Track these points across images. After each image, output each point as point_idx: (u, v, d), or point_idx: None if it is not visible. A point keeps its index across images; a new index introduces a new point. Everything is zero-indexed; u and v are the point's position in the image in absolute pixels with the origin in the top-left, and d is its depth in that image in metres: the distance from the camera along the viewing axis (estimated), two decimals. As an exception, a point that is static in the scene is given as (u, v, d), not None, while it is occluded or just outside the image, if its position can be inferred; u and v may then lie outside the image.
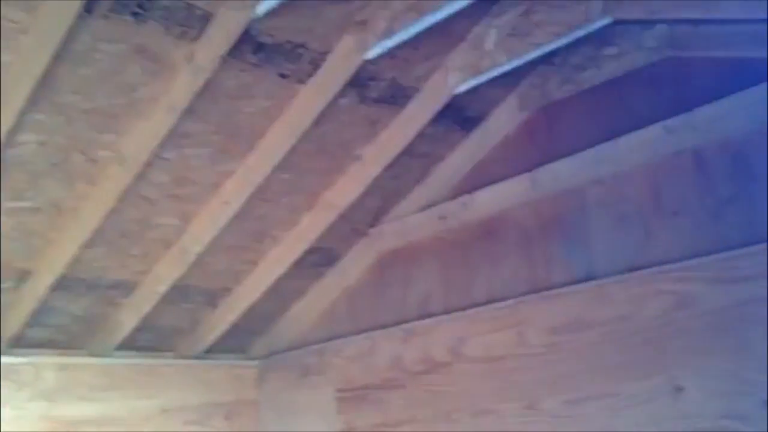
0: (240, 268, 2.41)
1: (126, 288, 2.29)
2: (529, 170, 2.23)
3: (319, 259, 2.53)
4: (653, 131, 1.98)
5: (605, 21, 1.91)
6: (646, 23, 2.00)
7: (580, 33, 1.94)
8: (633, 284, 1.95)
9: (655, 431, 1.83)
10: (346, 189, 2.28)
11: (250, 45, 1.72)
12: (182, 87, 1.72)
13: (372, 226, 2.55)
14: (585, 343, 2.02)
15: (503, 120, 2.33)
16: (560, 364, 2.06)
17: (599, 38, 2.07)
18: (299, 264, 2.45)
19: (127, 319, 2.36)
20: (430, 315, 2.42)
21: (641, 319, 1.91)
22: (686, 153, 1.94)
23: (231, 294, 2.49)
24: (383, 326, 2.53)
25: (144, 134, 1.81)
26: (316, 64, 1.85)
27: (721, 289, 1.78)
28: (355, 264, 2.62)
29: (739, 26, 1.83)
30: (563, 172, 2.16)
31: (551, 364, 2.08)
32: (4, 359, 2.22)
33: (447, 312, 2.38)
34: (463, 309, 2.33)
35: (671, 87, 1.99)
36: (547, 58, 2.15)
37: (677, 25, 1.96)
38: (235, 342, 2.70)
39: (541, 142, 2.26)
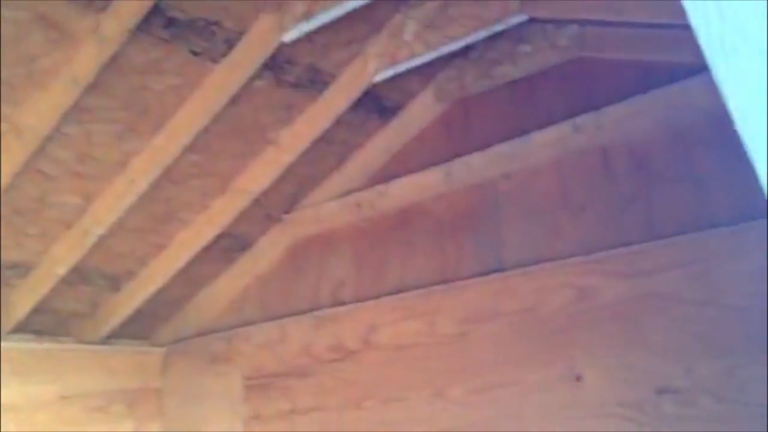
0: (145, 252, 2.34)
1: (22, 269, 2.18)
2: (444, 162, 2.26)
3: (230, 244, 2.48)
4: (563, 128, 2.04)
5: (521, 18, 1.95)
6: (560, 23, 2.05)
7: (497, 29, 1.98)
8: (539, 277, 2.00)
9: (556, 417, 1.89)
10: (260, 174, 2.24)
11: (161, 19, 1.65)
12: (86, 59, 1.64)
13: (286, 212, 2.52)
14: (492, 333, 2.06)
15: (420, 111, 2.35)
16: (468, 353, 2.10)
17: (515, 35, 2.11)
18: (209, 249, 2.39)
19: (23, 301, 2.25)
20: (342, 303, 2.42)
21: (545, 311, 1.97)
22: (594, 151, 2.00)
23: (135, 278, 2.41)
24: (294, 313, 2.51)
25: (44, 107, 1.72)
26: (230, 44, 1.80)
27: (621, 283, 1.85)
28: (267, 250, 2.58)
29: (647, 30, 1.90)
30: (477, 166, 2.20)
31: (459, 353, 2.11)
32: None
33: (359, 300, 2.38)
34: (375, 297, 2.34)
35: (581, 86, 2.06)
36: (464, 52, 2.18)
37: (588, 26, 2.02)
38: (138, 328, 2.62)
39: (456, 135, 2.29)
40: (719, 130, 1.77)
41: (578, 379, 1.88)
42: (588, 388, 1.86)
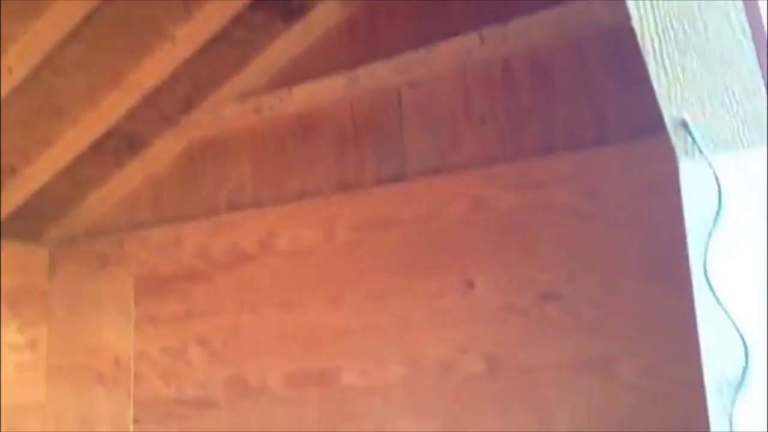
0: (29, 147, 2.19)
1: None
2: (348, 68, 2.21)
3: (121, 143, 2.36)
4: (469, 39, 2.03)
5: None
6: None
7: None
8: (437, 186, 2.03)
9: (446, 322, 1.97)
10: (154, 70, 2.12)
11: None
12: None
13: (183, 113, 2.42)
14: (389, 241, 2.09)
15: (325, 14, 2.27)
16: (364, 260, 2.13)
17: (426, -62, 2.05)
18: (99, 148, 2.27)
19: None
20: (240, 208, 2.38)
21: (442, 220, 2.01)
22: (497, 63, 2.01)
23: (18, 174, 2.26)
24: (191, 217, 2.45)
25: None
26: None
27: (514, 194, 1.91)
28: (162, 152, 2.48)
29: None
30: (381, 73, 2.17)
31: (356, 260, 2.14)
32: None
33: (258, 206, 2.36)
34: (274, 204, 2.32)
35: (489, -4, 2.04)
36: (373, -48, 2.10)
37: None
38: (24, 226, 2.49)
39: (361, 41, 2.24)
40: (619, 47, 1.81)
41: (469, 285, 1.95)
42: (478, 295, 1.94)
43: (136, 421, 2.47)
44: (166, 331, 2.45)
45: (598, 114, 1.87)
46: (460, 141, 2.05)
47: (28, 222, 2.48)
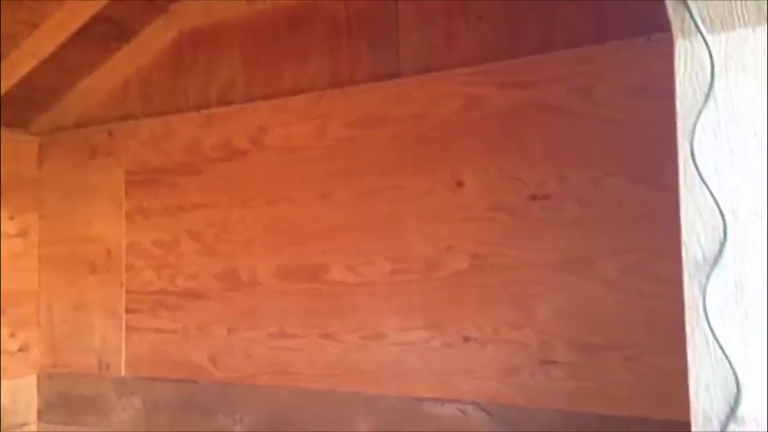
0: (15, 30, 2.14)
1: None
2: (344, -43, 2.14)
3: (109, 30, 2.30)
4: (470, -71, 1.95)
5: None
6: None
7: None
8: (430, 85, 2.00)
9: (435, 220, 1.98)
10: (143, -48, 2.05)
11: None
12: None
13: (173, 0, 2.35)
14: (380, 138, 2.08)
15: None
16: (355, 157, 2.12)
17: None
18: (86, 33, 2.22)
19: None
20: (231, 102, 2.36)
21: (434, 119, 2.00)
22: (498, -44, 1.95)
23: (5, 58, 2.22)
24: (180, 110, 2.43)
25: None
26: None
27: (508, 93, 1.89)
28: (151, 41, 2.43)
29: None
30: (378, -37, 2.10)
31: (347, 157, 2.14)
32: None
33: (249, 100, 2.33)
34: (266, 98, 2.29)
35: None
36: None
37: None
38: (13, 114, 2.46)
39: (359, -71, 2.16)
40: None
41: (459, 184, 1.96)
42: (467, 194, 1.94)
43: (128, 311, 2.52)
44: (158, 223, 2.47)
45: (597, 13, 1.82)
46: (455, 39, 2.01)
47: (17, 110, 2.45)
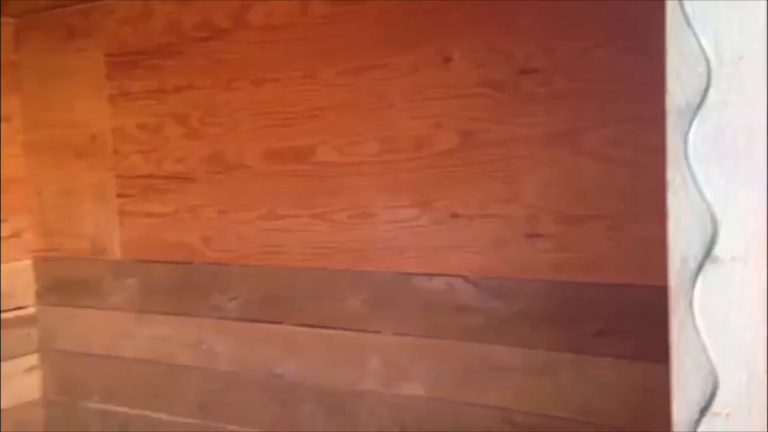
0: None
1: None
2: None
3: None
4: None
5: None
6: None
7: None
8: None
9: (422, 97, 1.97)
10: None
11: None
12: None
13: None
14: (366, 15, 2.03)
15: None
16: (340, 34, 2.08)
17: None
18: None
19: None
20: (210, -22, 2.27)
21: (421, -9, 1.94)
22: None
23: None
24: (159, -12, 2.35)
25: None
26: None
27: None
28: None
29: None
30: None
31: (331, 35, 2.09)
32: None
33: (229, -24, 2.25)
34: (247, -27, 2.21)
35: None
36: None
37: None
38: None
39: None
40: None
41: (446, 60, 1.93)
42: (455, 69, 1.92)
43: (119, 195, 2.53)
44: (142, 106, 2.44)
45: None
46: None
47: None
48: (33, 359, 2.72)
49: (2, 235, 2.62)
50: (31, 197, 2.67)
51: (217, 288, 2.37)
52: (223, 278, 2.35)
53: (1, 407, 2.60)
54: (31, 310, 2.71)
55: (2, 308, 2.61)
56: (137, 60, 2.41)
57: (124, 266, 2.54)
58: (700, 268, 0.78)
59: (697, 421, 0.79)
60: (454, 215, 1.96)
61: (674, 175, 0.79)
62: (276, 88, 2.20)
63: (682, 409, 0.80)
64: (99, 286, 2.59)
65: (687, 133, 0.77)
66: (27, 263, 2.69)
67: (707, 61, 0.75)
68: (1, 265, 2.60)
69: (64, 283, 2.67)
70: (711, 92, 0.76)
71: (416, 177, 2.00)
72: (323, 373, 2.19)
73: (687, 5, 0.75)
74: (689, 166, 0.77)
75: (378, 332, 2.10)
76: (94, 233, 2.58)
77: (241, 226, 2.30)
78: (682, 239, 0.79)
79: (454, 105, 1.93)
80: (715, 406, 0.78)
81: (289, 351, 2.25)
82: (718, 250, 0.77)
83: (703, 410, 0.78)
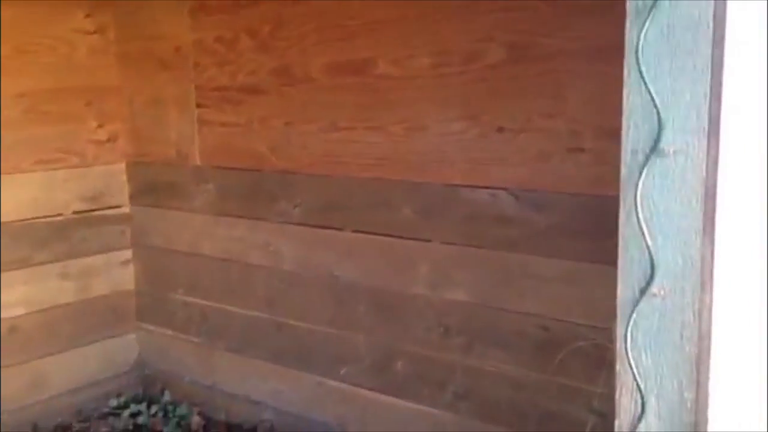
0: None
1: None
2: None
3: None
4: None
5: None
6: None
7: None
8: None
9: (473, 12, 2.00)
10: None
11: None
12: None
13: None
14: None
15: None
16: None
17: None
18: None
19: None
20: None
21: None
22: None
23: None
24: None
25: None
26: None
27: None
28: None
29: None
30: None
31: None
32: None
33: None
34: None
35: None
36: None
37: None
38: None
39: None
40: None
41: (500, -27, 1.94)
42: (507, -17, 1.92)
43: (198, 105, 2.72)
44: (219, 20, 2.58)
45: None
46: None
47: None
48: (128, 254, 3.02)
49: (100, 139, 2.87)
50: (124, 105, 2.91)
51: (283, 195, 2.53)
52: (288, 186, 2.51)
53: (99, 294, 2.93)
54: (125, 210, 2.99)
55: (99, 207, 2.90)
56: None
57: (204, 172, 2.75)
58: (646, 160, 0.83)
59: (637, 301, 0.86)
60: (500, 129, 2.01)
61: (628, 72, 0.83)
62: (338, 3, 2.27)
63: (624, 291, 0.87)
64: (182, 190, 2.82)
65: (641, 31, 0.81)
66: (121, 166, 2.95)
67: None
68: (97, 167, 2.86)
69: (153, 186, 2.92)
70: (664, -8, 0.79)
71: (465, 91, 2.05)
72: (377, 276, 2.34)
73: None
74: (639, 63, 0.81)
75: (428, 241, 2.22)
76: (177, 141, 2.79)
77: (305, 137, 2.44)
78: (633, 133, 0.84)
79: (503, 18, 1.95)
80: (653, 288, 0.85)
81: (346, 255, 2.40)
82: (663, 144, 0.82)
83: (642, 291, 0.85)
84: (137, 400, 3.00)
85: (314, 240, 2.48)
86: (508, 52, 1.95)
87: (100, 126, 2.86)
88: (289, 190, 2.52)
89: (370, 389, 2.40)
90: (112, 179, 2.94)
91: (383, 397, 2.37)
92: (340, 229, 2.41)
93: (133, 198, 2.99)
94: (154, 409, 2.95)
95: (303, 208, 2.49)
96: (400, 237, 2.27)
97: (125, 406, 2.96)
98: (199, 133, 2.72)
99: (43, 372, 2.76)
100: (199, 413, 2.87)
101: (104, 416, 2.92)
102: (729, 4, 0.77)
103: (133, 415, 2.92)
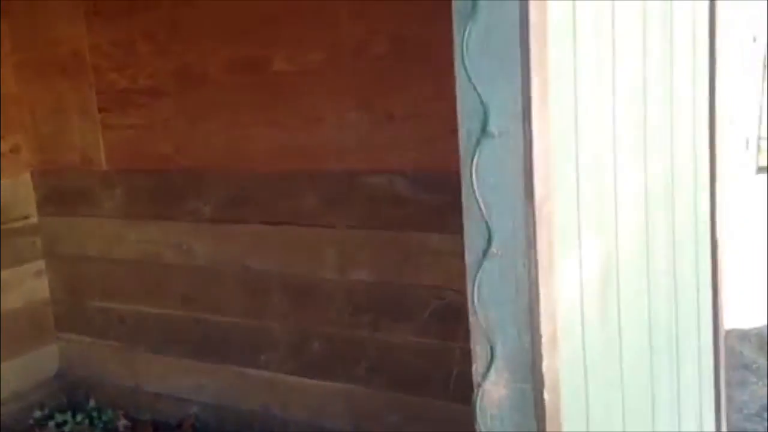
0: None
1: None
2: None
3: None
4: None
5: None
6: None
7: None
8: None
9: (359, 4, 2.11)
10: None
11: None
12: None
13: None
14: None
15: None
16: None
17: None
18: None
19: None
20: None
21: None
22: None
23: None
24: None
25: None
26: None
27: None
28: None
29: None
30: None
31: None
32: None
33: None
34: None
35: None
36: None
37: None
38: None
39: None
40: None
41: (379, -29, 2.06)
42: (386, -20, 2.05)
43: (101, 110, 2.74)
44: (115, 24, 2.60)
45: None
46: None
47: None
48: (40, 264, 3.01)
49: (2, 151, 2.85)
50: (25, 114, 2.89)
51: (191, 193, 2.60)
52: (195, 184, 2.58)
53: (14, 307, 2.91)
54: (33, 220, 2.98)
55: (7, 219, 2.87)
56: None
57: (111, 176, 2.77)
58: (478, 141, 0.97)
59: (481, 261, 1.00)
60: (391, 117, 2.14)
61: (457, 68, 0.97)
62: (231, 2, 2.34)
63: (470, 254, 1.01)
64: (91, 196, 2.84)
65: (464, 32, 0.94)
66: (26, 177, 2.94)
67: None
68: (3, 180, 2.83)
69: (60, 194, 2.92)
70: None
71: (357, 82, 2.17)
72: (286, 264, 2.44)
73: None
74: (464, 60, 0.95)
75: (332, 227, 2.33)
76: (81, 146, 2.80)
77: (208, 135, 2.51)
78: (466, 119, 0.98)
79: (387, 12, 2.07)
80: (492, 249, 0.99)
81: (256, 246, 2.49)
82: (490, 127, 0.96)
83: (484, 252, 0.99)
84: (62, 410, 3.01)
85: (225, 235, 2.55)
86: (393, 43, 2.08)
87: (1, 137, 2.84)
88: (196, 188, 2.58)
89: (290, 373, 2.50)
90: (18, 190, 2.92)
91: (303, 380, 2.48)
92: (248, 222, 2.50)
93: (41, 207, 2.98)
94: (79, 417, 2.97)
95: (212, 205, 2.56)
96: (306, 225, 2.37)
97: (50, 416, 2.97)
98: (104, 137, 2.75)
99: (-38, 388, 2.75)
100: (125, 416, 2.91)
101: (30, 429, 2.92)
102: (532, 11, 0.91)
103: (59, 425, 2.94)
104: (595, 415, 1.18)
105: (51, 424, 2.93)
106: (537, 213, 0.94)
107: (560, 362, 0.99)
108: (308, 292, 2.41)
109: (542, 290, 0.96)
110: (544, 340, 0.96)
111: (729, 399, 2.01)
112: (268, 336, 2.52)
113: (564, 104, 1.05)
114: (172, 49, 2.51)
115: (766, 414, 2.76)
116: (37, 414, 2.96)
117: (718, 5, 1.70)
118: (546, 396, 0.98)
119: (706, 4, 1.68)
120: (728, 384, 1.96)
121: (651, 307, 1.44)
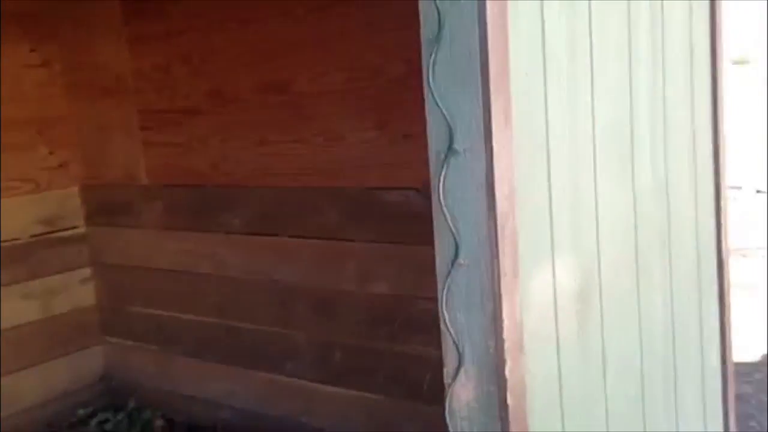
0: None
1: None
2: None
3: None
4: None
5: None
6: None
7: None
8: None
9: (375, 29, 2.22)
10: None
11: None
12: None
13: None
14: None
15: None
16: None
17: None
18: None
19: None
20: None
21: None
22: None
23: None
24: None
25: None
26: None
27: None
28: None
29: None
30: None
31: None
32: None
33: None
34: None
35: None
36: None
37: None
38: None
39: None
40: None
41: (395, -4, 2.15)
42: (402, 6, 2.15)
43: (142, 128, 2.91)
44: (154, 49, 2.77)
45: None
46: None
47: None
48: (86, 272, 3.19)
49: (52, 165, 3.05)
50: (73, 132, 3.09)
51: (224, 207, 2.73)
52: (227, 199, 2.71)
53: (62, 311, 3.10)
54: (81, 230, 3.17)
55: (57, 228, 3.07)
56: (149, 4, 2.72)
57: (151, 190, 2.94)
58: (446, 158, 1.05)
59: (450, 270, 1.07)
60: (406, 135, 2.23)
61: (425, 90, 1.05)
62: (259, 27, 2.48)
63: (440, 264, 1.09)
64: (133, 208, 3.01)
65: (430, 58, 1.03)
66: (74, 190, 3.13)
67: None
68: (51, 192, 3.03)
69: (106, 206, 3.10)
70: (446, 27, 1.01)
71: (374, 102, 2.27)
72: (311, 277, 2.54)
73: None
74: (430, 83, 1.03)
75: (352, 241, 2.43)
76: (124, 163, 2.98)
77: (240, 153, 2.64)
78: (434, 138, 1.06)
79: (400, 37, 2.16)
80: (459, 259, 1.06)
81: (284, 259, 2.61)
82: (456, 144, 1.04)
83: (452, 262, 1.07)
84: (104, 409, 3.17)
85: (255, 247, 2.68)
86: (408, 66, 2.17)
87: (51, 153, 3.04)
88: (229, 202, 2.72)
89: (315, 381, 2.60)
90: (67, 202, 3.11)
91: (326, 387, 2.57)
92: (276, 235, 2.61)
93: (88, 218, 3.17)
94: (120, 416, 3.13)
95: (242, 219, 2.69)
96: (328, 238, 2.48)
97: (93, 415, 3.14)
98: (145, 154, 2.91)
99: (14, 387, 2.93)
100: (162, 417, 3.06)
101: (73, 426, 3.09)
102: (491, 37, 0.99)
103: (101, 423, 3.10)
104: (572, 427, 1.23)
105: (93, 422, 3.10)
106: (499, 227, 1.02)
107: (532, 370, 1.05)
108: (330, 304, 2.51)
109: (506, 298, 1.03)
110: (507, 345, 1.03)
111: None
112: (294, 345, 2.62)
113: (535, 123, 1.12)
114: (205, 71, 2.66)
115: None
116: (82, 412, 3.13)
117: (718, 12, 1.73)
118: (509, 398, 1.04)
119: (705, 7, 1.70)
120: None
121: (643, 330, 1.47)
